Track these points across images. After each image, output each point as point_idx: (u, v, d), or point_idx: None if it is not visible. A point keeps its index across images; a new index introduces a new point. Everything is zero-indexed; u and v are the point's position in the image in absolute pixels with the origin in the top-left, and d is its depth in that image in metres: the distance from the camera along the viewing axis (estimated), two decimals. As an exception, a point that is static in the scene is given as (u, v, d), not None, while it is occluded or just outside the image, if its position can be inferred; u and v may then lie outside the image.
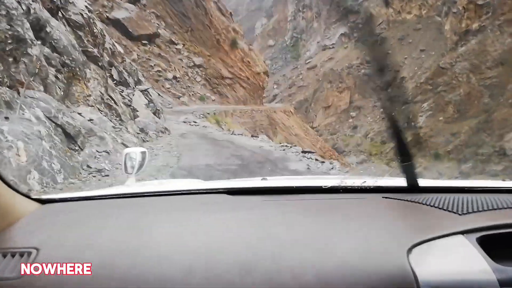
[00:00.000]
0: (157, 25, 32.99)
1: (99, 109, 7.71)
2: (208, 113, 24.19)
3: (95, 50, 8.86)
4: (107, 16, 28.32)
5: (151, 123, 11.52)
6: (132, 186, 2.13)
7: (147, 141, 9.89)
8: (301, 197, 1.41)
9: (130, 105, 11.10)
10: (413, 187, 1.46)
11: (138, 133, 9.70)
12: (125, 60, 18.33)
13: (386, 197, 1.41)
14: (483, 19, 60.49)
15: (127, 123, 8.83)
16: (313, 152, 9.26)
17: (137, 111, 11.28)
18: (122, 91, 11.66)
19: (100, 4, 28.94)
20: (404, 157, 1.42)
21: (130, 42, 28.50)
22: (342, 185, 1.46)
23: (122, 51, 17.50)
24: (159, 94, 26.94)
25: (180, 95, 29.03)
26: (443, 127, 58.39)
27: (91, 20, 10.40)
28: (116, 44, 18.20)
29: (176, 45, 33.55)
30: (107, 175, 6.83)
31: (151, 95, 13.31)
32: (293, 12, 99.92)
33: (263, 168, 8.50)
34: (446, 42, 66.80)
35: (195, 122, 19.82)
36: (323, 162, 9.07)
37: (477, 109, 55.80)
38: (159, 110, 13.19)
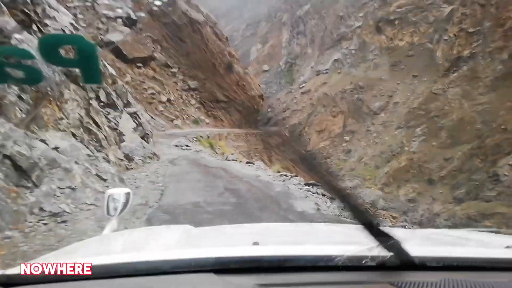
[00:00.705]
0: (153, 48, 32.43)
1: (74, 134, 6.69)
2: (202, 136, 23.24)
3: (77, 70, 7.95)
4: (102, 39, 27.68)
5: (138, 148, 10.50)
6: (97, 256, 1.55)
7: (131, 168, 8.81)
8: (301, 278, 1.23)
9: (116, 129, 10.12)
10: (407, 264, 1.26)
11: (122, 160, 8.68)
12: (116, 82, 17.43)
13: None
14: (474, 46, 60.91)
15: (109, 148, 7.83)
16: (318, 185, 8.12)
17: (124, 135, 10.29)
18: (109, 113, 10.69)
19: (95, 26, 28.36)
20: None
21: (124, 65, 27.77)
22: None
23: (114, 72, 16.58)
24: (152, 117, 26.03)
25: (174, 118, 28.14)
26: (436, 152, 57.79)
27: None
28: (107, 65, 17.30)
29: (171, 68, 32.92)
30: (65, 221, 5.28)
31: (140, 118, 12.35)
32: (287, 38, 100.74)
33: (263, 210, 7.08)
34: (438, 69, 67.04)
35: (188, 145, 18.83)
36: (332, 198, 7.78)
37: (470, 135, 55.38)
38: (148, 133, 12.19)
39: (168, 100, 28.89)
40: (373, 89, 73.09)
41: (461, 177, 52.64)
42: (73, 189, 5.61)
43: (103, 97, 11.38)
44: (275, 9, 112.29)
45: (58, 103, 6.72)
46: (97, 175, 6.20)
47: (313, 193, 8.01)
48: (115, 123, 10.26)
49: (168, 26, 34.62)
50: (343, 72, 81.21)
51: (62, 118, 6.55)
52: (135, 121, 11.81)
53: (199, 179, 8.80)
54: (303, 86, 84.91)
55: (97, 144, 7.36)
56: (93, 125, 7.57)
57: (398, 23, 76.51)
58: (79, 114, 7.27)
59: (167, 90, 29.66)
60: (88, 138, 7.14)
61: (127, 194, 2.49)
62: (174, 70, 32.59)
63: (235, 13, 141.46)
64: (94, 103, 9.64)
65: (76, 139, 6.77)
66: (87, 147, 6.68)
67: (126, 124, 10.99)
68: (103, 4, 29.94)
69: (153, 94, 27.65)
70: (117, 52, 27.76)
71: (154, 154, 11.74)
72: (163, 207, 6.26)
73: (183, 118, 29.14)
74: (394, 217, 33.83)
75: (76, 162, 6.11)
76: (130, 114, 11.81)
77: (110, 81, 14.43)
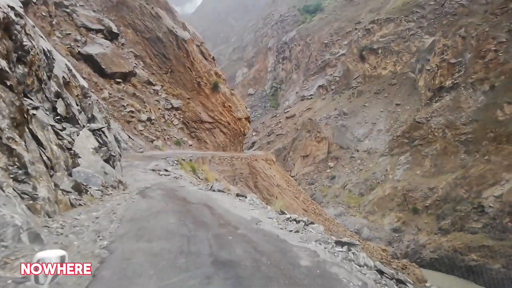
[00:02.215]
0: (135, 64, 30.01)
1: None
2: (184, 159, 20.62)
3: (6, 66, 5.48)
4: (79, 51, 25.14)
5: (97, 175, 7.91)
6: None
7: (80, 204, 6.16)
8: None
9: (70, 149, 7.54)
10: None
11: (67, 193, 6.15)
12: (89, 96, 14.86)
13: None
14: (456, 76, 60.82)
15: (44, 177, 5.32)
16: (357, 244, 5.47)
17: (79, 157, 7.69)
18: (64, 129, 8.13)
19: (72, 38, 25.84)
20: None
21: (101, 79, 25.17)
22: None
23: (85, 85, 13.87)
24: (129, 137, 23.33)
25: (154, 138, 25.46)
26: (420, 181, 56.49)
27: (22, 30, 7.04)
28: (77, 75, 14.59)
29: (154, 85, 30.45)
30: None
31: (106, 136, 9.78)
32: (273, 63, 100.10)
33: None
34: (420, 97, 66.74)
35: (167, 170, 16.15)
36: (399, 282, 4.83)
37: (453, 164, 54.37)
38: (114, 156, 9.61)
39: (149, 119, 26.27)
40: (357, 116, 72.22)
41: (446, 207, 51.09)
42: None
43: (60, 109, 8.80)
44: (261, 34, 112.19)
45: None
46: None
47: (360, 266, 4.91)
48: (69, 142, 7.65)
49: (152, 42, 32.40)
50: (327, 98, 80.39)
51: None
52: (99, 139, 9.21)
53: (170, 230, 5.75)
54: (288, 111, 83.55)
55: (22, 172, 4.80)
56: (20, 142, 5.02)
57: (382, 52, 76.69)
58: (-2, 126, 4.77)
59: (148, 109, 27.08)
60: (6, 162, 4.58)
61: (62, 257, 2.23)
62: (156, 87, 30.14)
63: (222, 37, 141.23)
64: (40, 114, 7.03)
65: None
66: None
67: (85, 143, 8.40)
68: (83, 15, 27.55)
69: (132, 112, 25.02)
70: (95, 65, 25.18)
71: (120, 182, 9.07)
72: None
73: (165, 139, 26.49)
74: (383, 250, 31.60)
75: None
76: (93, 131, 9.21)
77: (75, 92, 11.81)
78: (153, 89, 29.93)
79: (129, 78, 27.51)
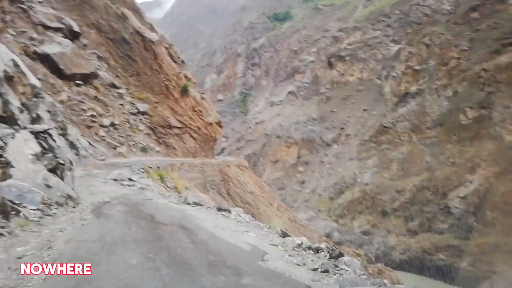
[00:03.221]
0: (98, 66, 27.77)
1: None
2: (151, 167, 18.74)
3: None
4: (35, 50, 22.71)
5: (35, 190, 6.12)
6: None
7: (1, 234, 4.38)
8: None
9: (0, 156, 5.78)
10: None
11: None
12: (42, 97, 12.92)
13: None
14: (421, 83, 61.93)
15: None
16: None
17: (12, 166, 5.93)
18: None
19: (27, 36, 23.39)
20: None
21: (59, 81, 22.86)
22: None
23: (37, 84, 11.83)
24: (90, 143, 21.16)
25: (118, 144, 23.38)
26: (388, 184, 56.74)
27: None
28: (27, 73, 12.49)
29: (118, 89, 28.32)
30: None
31: (53, 140, 7.98)
32: (242, 70, 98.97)
33: None
34: (386, 103, 67.45)
35: (131, 179, 14.25)
36: None
37: (419, 167, 54.96)
38: (62, 164, 7.78)
39: (112, 124, 24.17)
40: (325, 121, 72.11)
41: (413, 209, 51.45)
42: None
43: None
44: (230, 41, 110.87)
45: None
46: None
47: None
48: (-1, 147, 5.87)
49: (117, 44, 30.25)
50: (296, 104, 79.97)
51: None
52: (43, 144, 7.40)
53: (131, 276, 3.84)
54: (257, 117, 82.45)
55: None
56: None
57: (349, 59, 77.27)
58: None
59: (111, 113, 24.97)
60: None
61: None
62: (121, 91, 28.04)
63: (191, 42, 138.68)
64: None
65: None
66: None
67: (22, 148, 6.62)
68: (41, 12, 25.12)
69: (93, 116, 22.87)
70: (52, 66, 22.83)
71: (69, 197, 7.27)
72: None
73: (129, 145, 24.46)
74: (358, 254, 30.80)
75: None
76: (36, 133, 7.40)
77: (21, 89, 9.93)
78: (118, 92, 27.79)
79: (91, 80, 25.29)
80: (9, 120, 7.59)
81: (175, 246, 5.05)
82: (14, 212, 5.22)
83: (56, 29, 25.52)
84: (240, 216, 8.05)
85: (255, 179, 31.79)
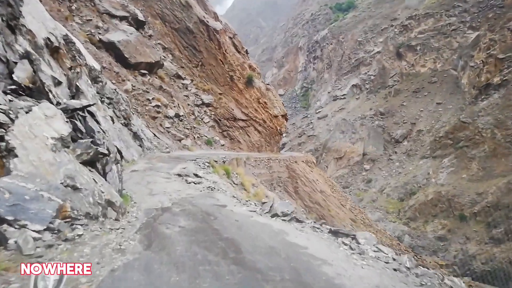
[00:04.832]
0: (163, 57, 26.62)
1: None
2: (216, 161, 16.85)
3: None
4: (100, 38, 21.91)
5: (45, 195, 3.76)
6: None
7: None
8: None
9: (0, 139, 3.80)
10: None
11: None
12: (100, 81, 11.42)
13: None
14: (505, 73, 54.63)
15: None
16: None
17: (15, 156, 3.91)
18: (10, 100, 4.43)
19: (93, 25, 22.70)
20: None
21: (124, 70, 21.84)
22: None
23: (97, 67, 10.18)
24: (155, 135, 19.80)
25: (182, 137, 21.91)
26: (467, 185, 50.79)
27: None
28: (83, 52, 10.84)
29: (183, 79, 27.01)
30: None
31: (97, 122, 6.00)
32: (304, 63, 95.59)
33: None
34: (464, 96, 60.72)
35: (197, 175, 12.33)
36: None
37: (504, 167, 48.44)
38: (106, 155, 5.43)
39: (177, 116, 22.74)
40: (394, 115, 66.76)
41: (497, 214, 45.36)
42: None
43: (20, 75, 5.03)
44: (291, 34, 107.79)
45: None
46: None
47: None
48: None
49: (182, 34, 28.96)
50: (361, 97, 75.15)
51: None
52: (77, 125, 5.37)
53: None
54: (319, 111, 78.83)
55: None
56: None
57: (420, 49, 70.84)
58: None
59: (176, 104, 23.58)
60: None
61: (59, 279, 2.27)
62: (186, 82, 26.66)
63: (251, 38, 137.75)
64: None
65: None
66: None
67: (38, 129, 4.55)
68: (106, 1, 24.39)
69: (158, 106, 21.56)
70: (117, 54, 21.88)
71: (109, 203, 5.08)
72: None
73: (194, 138, 22.90)
74: (441, 266, 26.87)
75: None
76: (70, 111, 5.37)
77: (68, 63, 8.10)
78: (182, 83, 26.48)
79: (156, 70, 24.14)
80: (37, 94, 5.60)
81: None
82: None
83: (121, 18, 24.69)
84: (378, 248, 5.18)
85: (324, 176, 28.98)
